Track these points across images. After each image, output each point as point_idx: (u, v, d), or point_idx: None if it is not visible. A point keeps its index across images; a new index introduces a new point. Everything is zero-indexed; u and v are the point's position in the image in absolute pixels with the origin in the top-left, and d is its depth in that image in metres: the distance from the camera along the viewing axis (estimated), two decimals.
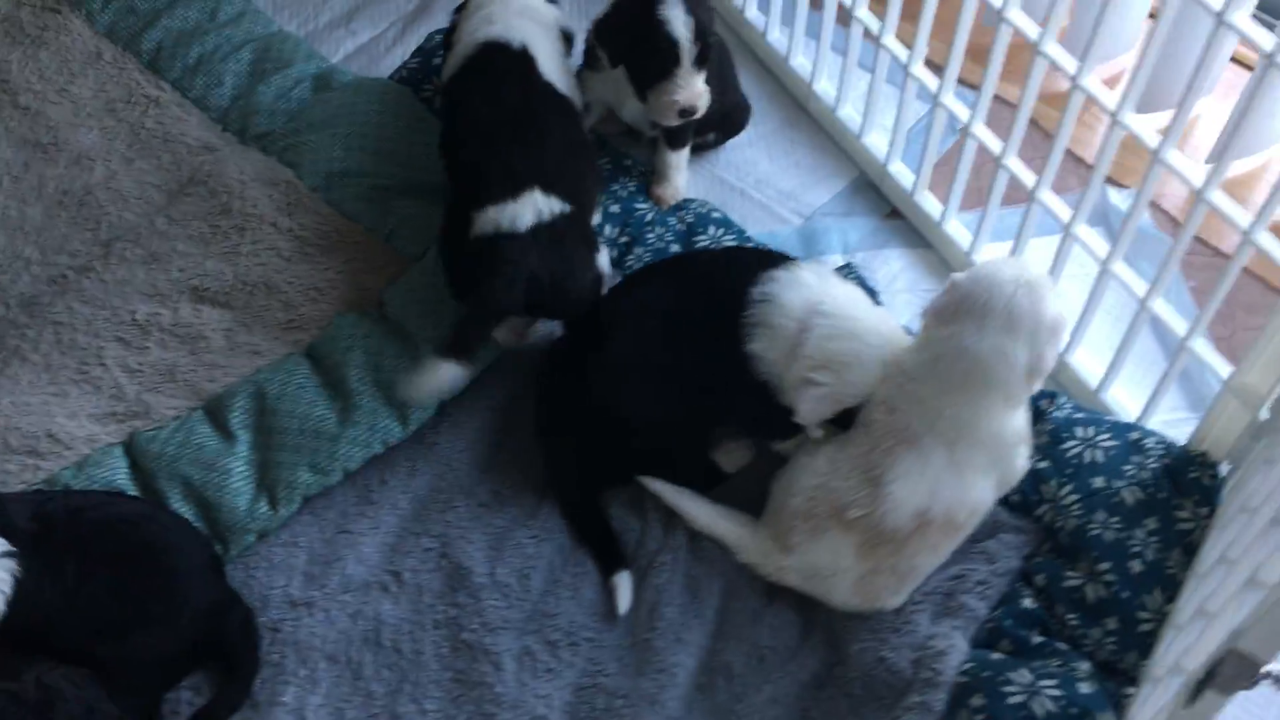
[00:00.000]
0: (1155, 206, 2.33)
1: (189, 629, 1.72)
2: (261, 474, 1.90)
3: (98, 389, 2.00)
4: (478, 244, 1.91)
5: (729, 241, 2.21)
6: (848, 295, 1.79)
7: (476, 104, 2.04)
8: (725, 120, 2.42)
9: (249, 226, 2.16)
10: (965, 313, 1.66)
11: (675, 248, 2.21)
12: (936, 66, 2.14)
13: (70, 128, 2.37)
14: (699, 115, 2.08)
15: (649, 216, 2.26)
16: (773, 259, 1.86)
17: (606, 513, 1.88)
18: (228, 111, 2.40)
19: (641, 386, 1.80)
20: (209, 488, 1.87)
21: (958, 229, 2.26)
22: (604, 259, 2.03)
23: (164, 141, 2.35)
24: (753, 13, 2.60)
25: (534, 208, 1.91)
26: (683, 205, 2.29)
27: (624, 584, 1.81)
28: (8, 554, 1.61)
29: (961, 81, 2.15)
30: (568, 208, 1.94)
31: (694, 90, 2.04)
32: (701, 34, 2.01)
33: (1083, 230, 1.95)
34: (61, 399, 1.98)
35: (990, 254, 2.21)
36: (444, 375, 1.83)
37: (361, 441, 1.92)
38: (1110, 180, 2.27)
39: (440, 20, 2.55)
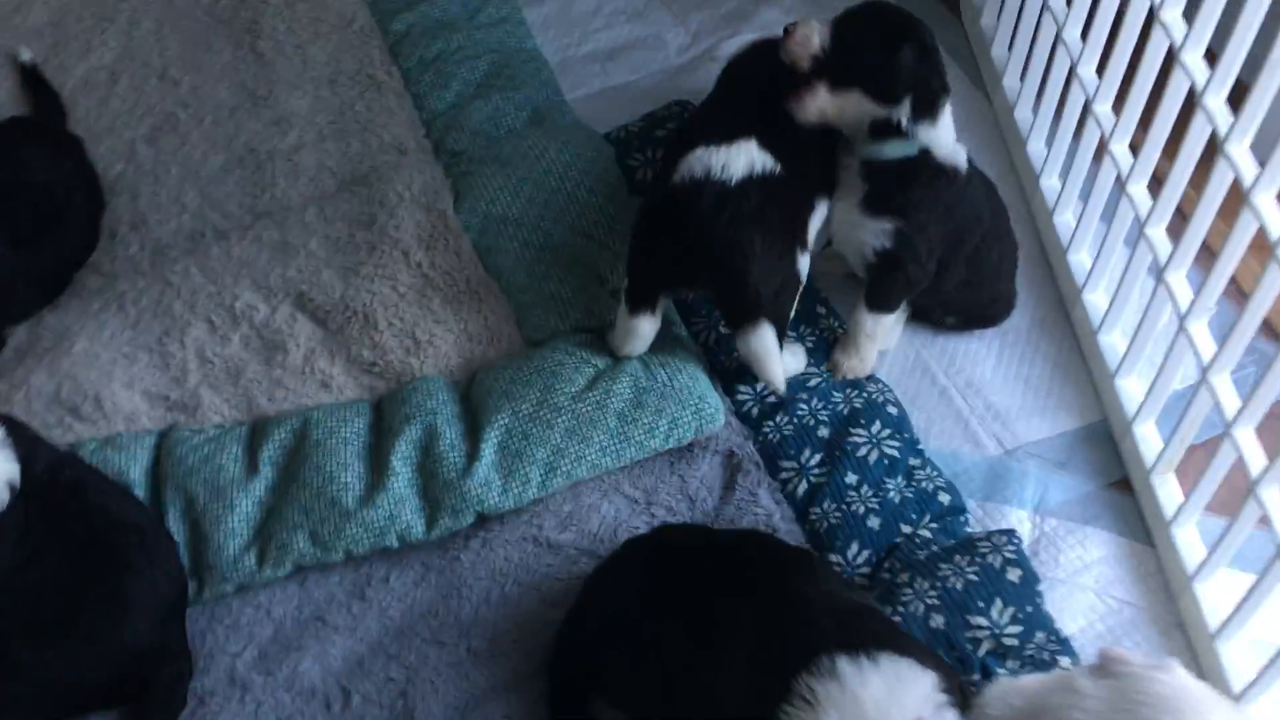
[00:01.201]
0: None
1: (114, 665, 1.55)
2: (264, 523, 1.70)
3: (165, 366, 1.87)
4: (676, 191, 1.73)
5: (891, 448, 1.79)
6: None
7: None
8: (976, 308, 1.98)
9: (380, 247, 1.96)
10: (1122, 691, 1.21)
11: (823, 432, 1.81)
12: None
13: (288, 87, 2.28)
14: (797, 64, 1.74)
15: (812, 382, 1.88)
16: (859, 633, 1.30)
17: None
18: (439, 118, 2.22)
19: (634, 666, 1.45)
20: (208, 517, 1.69)
21: (1190, 538, 1.72)
22: (805, 264, 1.79)
23: (362, 128, 2.21)
24: (1050, 181, 2.13)
25: (748, 158, 1.71)
26: (859, 383, 1.89)
27: None
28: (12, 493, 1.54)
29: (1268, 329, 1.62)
30: (781, 171, 1.73)
31: (802, 33, 1.73)
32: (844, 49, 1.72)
33: None
34: (129, 364, 1.86)
35: (1223, 583, 1.66)
36: (641, 327, 1.79)
37: (376, 529, 1.68)
38: None
39: (703, 82, 2.25)
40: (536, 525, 1.73)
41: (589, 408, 1.74)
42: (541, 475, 1.71)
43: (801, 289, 1.81)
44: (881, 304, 1.87)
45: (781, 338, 1.80)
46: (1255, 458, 1.53)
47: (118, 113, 2.25)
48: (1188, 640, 1.68)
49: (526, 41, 2.37)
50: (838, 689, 1.18)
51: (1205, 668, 1.64)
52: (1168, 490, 1.77)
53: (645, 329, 1.79)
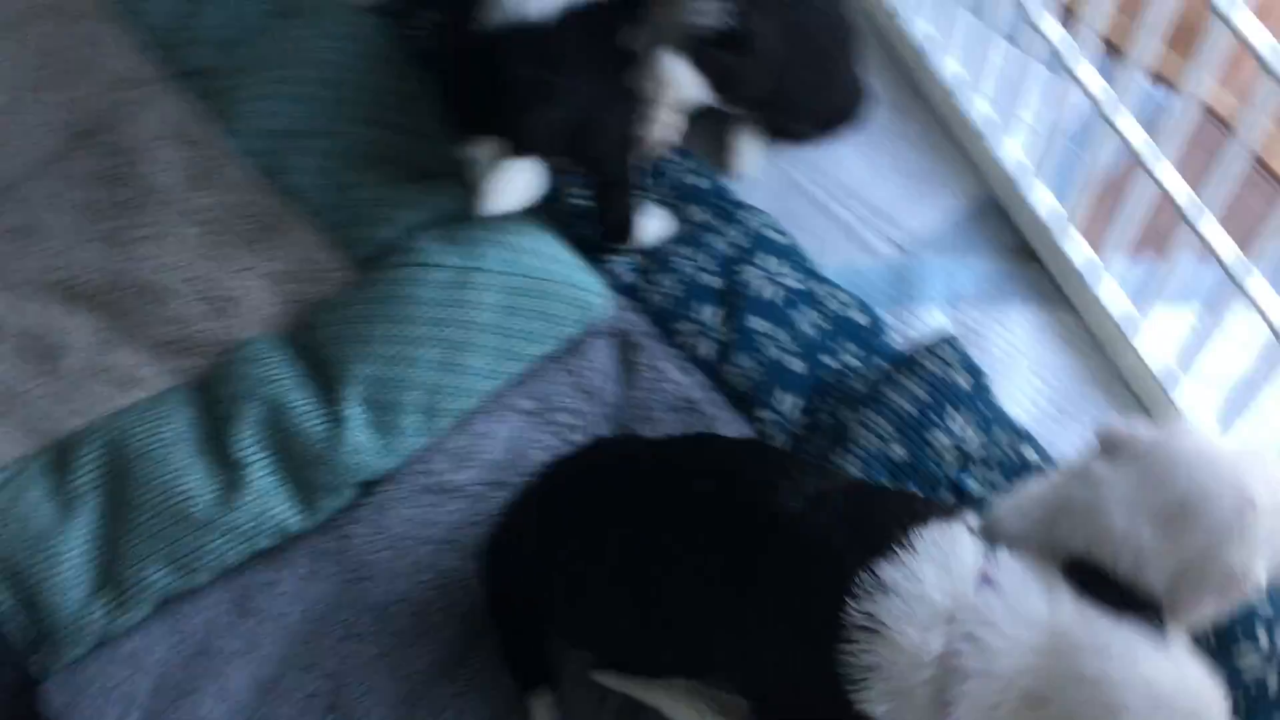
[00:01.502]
0: None
1: None
2: (105, 563, 1.39)
3: None
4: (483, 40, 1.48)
5: (789, 280, 1.61)
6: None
7: None
8: (828, 107, 1.78)
9: (148, 204, 1.62)
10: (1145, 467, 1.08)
11: (713, 282, 1.61)
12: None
13: None
14: None
15: (683, 231, 1.67)
16: (872, 522, 1.06)
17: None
18: (166, 33, 1.84)
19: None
20: (30, 575, 1.37)
21: (1113, 289, 1.62)
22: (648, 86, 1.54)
23: (78, 66, 1.80)
24: None
25: None
26: (735, 215, 1.68)
27: (542, 711, 1.30)
28: None
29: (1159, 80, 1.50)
30: None
31: None
32: None
33: None
34: None
35: (1161, 327, 1.57)
36: (487, 162, 1.48)
37: (244, 532, 1.40)
38: None
39: None
40: (429, 472, 1.48)
41: (456, 331, 1.48)
42: (422, 420, 1.45)
43: (645, 119, 1.58)
44: (719, 82, 1.58)
45: (627, 191, 1.58)
46: (1177, 188, 1.42)
47: None
48: (1137, 396, 1.59)
49: None
50: (897, 601, 0.99)
51: (1161, 419, 1.56)
52: (1076, 248, 1.66)
53: (495, 162, 1.51)
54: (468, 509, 1.47)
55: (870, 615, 0.99)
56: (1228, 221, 1.39)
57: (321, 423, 1.43)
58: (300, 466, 1.42)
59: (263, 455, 1.42)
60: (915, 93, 1.86)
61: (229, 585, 1.42)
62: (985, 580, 1.00)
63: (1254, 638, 1.27)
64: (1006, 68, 1.72)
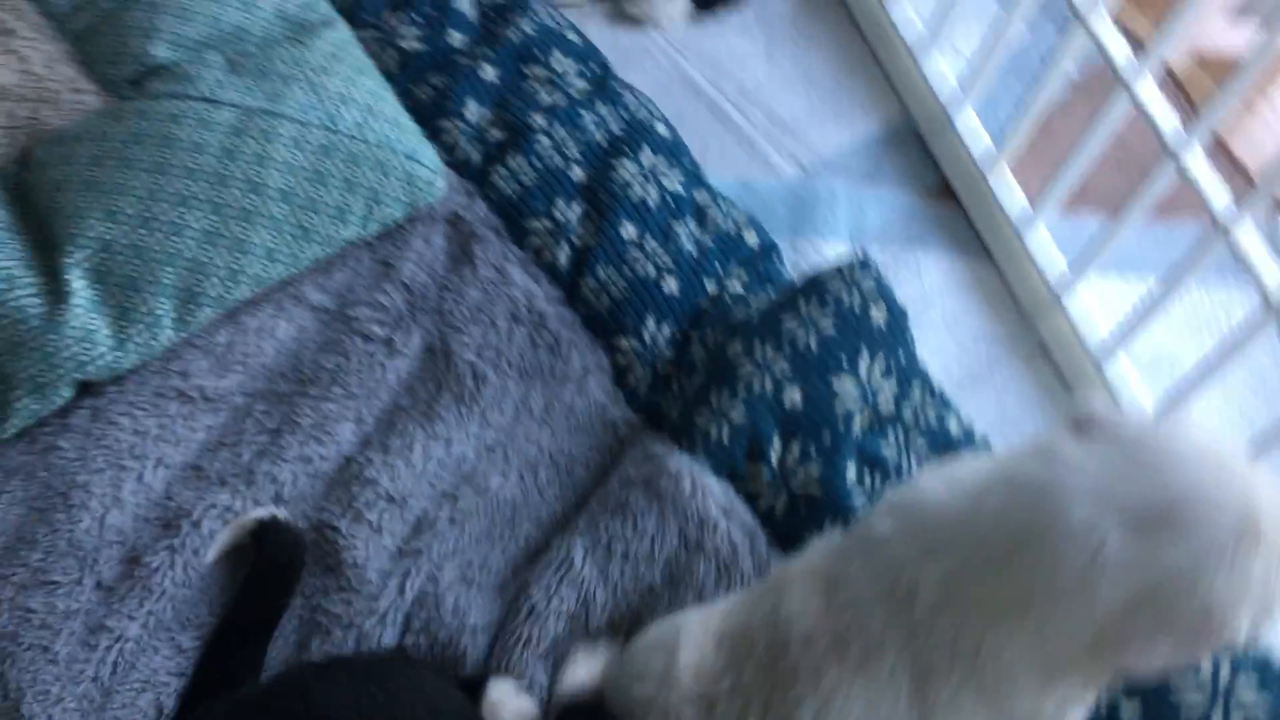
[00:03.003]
0: None
1: None
2: None
3: None
4: None
5: (670, 181, 1.29)
6: None
7: None
8: None
9: None
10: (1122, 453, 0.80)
11: (577, 173, 1.28)
12: None
13: None
14: None
15: (549, 100, 1.33)
16: None
17: None
18: None
19: None
20: None
21: (1046, 246, 1.37)
22: None
23: None
24: None
25: None
26: (611, 90, 1.36)
27: None
28: None
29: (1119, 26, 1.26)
30: None
31: None
32: None
33: None
34: None
35: (1098, 294, 1.33)
36: None
37: None
38: None
39: None
40: (179, 372, 1.11)
41: (237, 193, 1.11)
42: (176, 308, 1.08)
43: None
44: None
45: None
46: (1164, 114, 1.17)
47: None
48: (1060, 369, 1.36)
49: None
50: None
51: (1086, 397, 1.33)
52: (1007, 190, 1.41)
53: None
54: (225, 426, 1.11)
55: None
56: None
57: (32, 295, 1.04)
58: None
59: None
60: None
61: None
62: None
63: (1194, 669, 1.04)
64: None
